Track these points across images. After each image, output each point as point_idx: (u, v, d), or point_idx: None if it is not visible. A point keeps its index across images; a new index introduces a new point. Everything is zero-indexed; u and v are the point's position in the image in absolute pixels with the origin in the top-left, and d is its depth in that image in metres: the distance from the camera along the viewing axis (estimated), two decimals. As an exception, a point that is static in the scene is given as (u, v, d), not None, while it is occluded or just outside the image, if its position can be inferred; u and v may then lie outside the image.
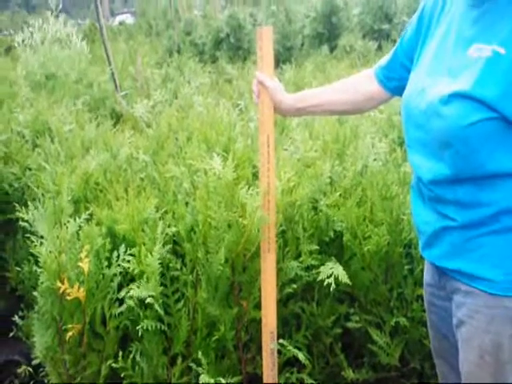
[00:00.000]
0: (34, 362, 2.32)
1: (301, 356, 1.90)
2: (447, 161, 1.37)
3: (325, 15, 7.96)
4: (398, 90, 1.64)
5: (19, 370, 2.58)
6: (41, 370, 2.49)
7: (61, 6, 6.27)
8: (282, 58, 7.62)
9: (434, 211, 1.47)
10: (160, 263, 1.91)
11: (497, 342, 1.39)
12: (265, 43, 1.68)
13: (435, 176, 1.41)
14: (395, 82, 1.68)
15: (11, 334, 2.71)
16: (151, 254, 1.90)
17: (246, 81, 5.45)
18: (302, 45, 8.20)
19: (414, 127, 1.46)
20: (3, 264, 3.29)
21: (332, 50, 7.34)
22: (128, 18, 23.83)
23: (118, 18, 24.59)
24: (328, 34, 7.78)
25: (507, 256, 1.36)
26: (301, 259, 2.07)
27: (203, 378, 1.78)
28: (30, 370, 2.52)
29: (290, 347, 1.93)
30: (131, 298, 1.89)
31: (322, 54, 6.94)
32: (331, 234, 2.21)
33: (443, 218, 1.44)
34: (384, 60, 1.73)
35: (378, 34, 7.93)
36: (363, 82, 1.76)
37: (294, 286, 2.06)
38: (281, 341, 1.95)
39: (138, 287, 1.93)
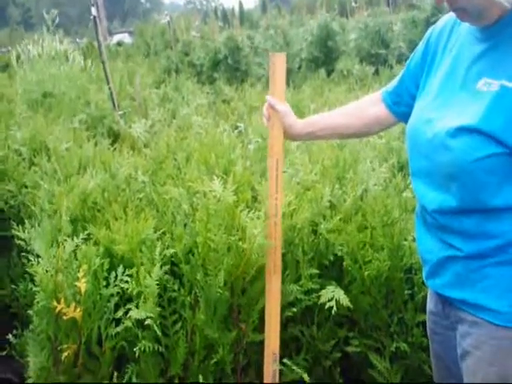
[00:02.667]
0: (28, 382, 2.27)
1: (305, 377, 1.88)
2: (453, 192, 1.37)
3: (321, 39, 8.04)
4: (405, 116, 1.64)
5: (11, 390, 2.53)
6: (34, 390, 2.45)
7: (57, 21, 6.29)
8: (280, 80, 7.63)
9: (438, 240, 1.46)
10: (157, 284, 1.89)
11: (502, 374, 1.38)
12: (277, 69, 1.72)
13: (440, 206, 1.42)
14: (403, 108, 1.69)
15: (4, 353, 2.66)
16: (150, 274, 1.89)
17: (244, 102, 5.48)
18: (300, 68, 8.27)
19: (420, 157, 1.46)
20: (-3, 282, 3.27)
21: (329, 73, 7.39)
22: (126, 38, 24.01)
23: (116, 38, 24.77)
24: (324, 57, 7.85)
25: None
26: (301, 283, 2.06)
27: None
28: (22, 390, 2.47)
29: (294, 367, 1.91)
30: (129, 318, 1.87)
31: (320, 77, 6.99)
32: (331, 257, 2.20)
33: (448, 247, 1.43)
34: (391, 85, 1.74)
35: (375, 58, 8.00)
36: (371, 106, 1.77)
37: (294, 309, 2.04)
38: (285, 360, 1.94)
39: (136, 307, 1.91)
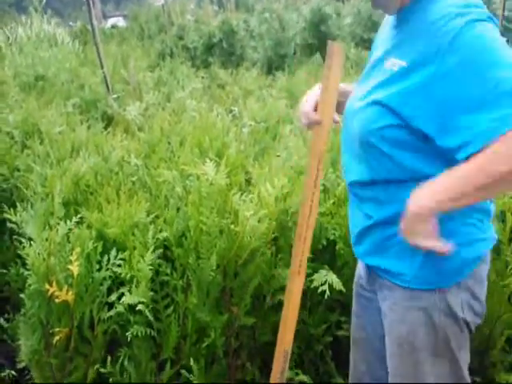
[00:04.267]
0: (19, 366, 2.27)
1: (307, 379, 1.89)
2: (365, 164, 1.50)
3: (314, 24, 7.98)
4: None
5: (3, 374, 2.53)
6: (26, 373, 2.45)
7: (44, 2, 6.20)
8: (275, 65, 7.63)
9: (359, 212, 1.57)
10: (150, 268, 1.89)
11: (412, 330, 1.49)
12: (334, 61, 1.52)
13: (357, 178, 1.54)
14: None
15: (-4, 337, 2.66)
16: (143, 258, 1.88)
17: (239, 86, 5.45)
18: (295, 53, 8.22)
19: (344, 130, 1.60)
20: (-11, 265, 3.25)
21: (325, 58, 7.32)
22: (120, 21, 23.74)
23: (110, 21, 24.50)
24: (318, 42, 7.79)
25: (417, 251, 1.41)
26: (293, 266, 2.05)
27: (194, 384, 1.76)
28: (14, 373, 2.47)
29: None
30: (121, 303, 1.86)
31: (316, 62, 6.94)
32: (324, 242, 2.19)
33: (366, 217, 1.53)
34: None
35: (368, 43, 7.95)
36: None
37: (287, 293, 2.03)
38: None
39: (129, 292, 1.91)
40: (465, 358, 1.54)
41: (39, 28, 5.81)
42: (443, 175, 1.32)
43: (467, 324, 1.50)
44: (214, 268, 1.86)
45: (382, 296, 1.58)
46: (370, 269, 1.63)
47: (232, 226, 1.89)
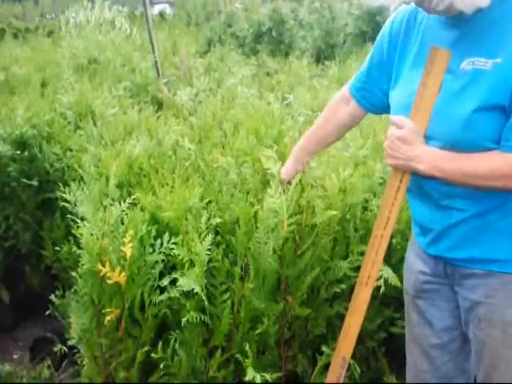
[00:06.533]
0: (69, 343, 2.30)
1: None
2: None
3: (370, 13, 7.85)
4: (374, 108, 1.83)
5: (55, 349, 2.57)
6: (74, 350, 2.48)
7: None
8: (324, 55, 7.54)
9: (440, 208, 1.56)
10: (207, 254, 1.87)
11: None
12: (435, 68, 1.43)
13: None
14: (372, 101, 1.81)
15: (47, 312, 2.70)
16: (201, 242, 1.86)
17: (288, 74, 5.39)
18: (344, 42, 8.10)
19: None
20: (40, 242, 3.31)
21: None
22: (167, 8, 23.87)
23: (157, 8, 24.66)
24: (372, 32, 7.66)
25: None
26: (350, 259, 2.02)
27: (250, 372, 1.74)
28: (65, 349, 2.50)
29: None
30: (176, 287, 1.85)
31: (367, 52, 6.81)
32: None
33: (451, 213, 1.54)
34: (358, 80, 1.85)
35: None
36: (343, 106, 1.90)
37: (343, 285, 2.00)
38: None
39: (182, 276, 1.89)
40: None
41: (98, 13, 5.89)
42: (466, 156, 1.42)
43: None
44: (271, 254, 1.83)
45: (470, 285, 1.58)
46: (445, 262, 1.63)
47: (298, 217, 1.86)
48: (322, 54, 7.65)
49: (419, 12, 1.61)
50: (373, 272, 1.58)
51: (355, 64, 5.55)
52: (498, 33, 1.40)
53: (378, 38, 1.75)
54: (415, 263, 1.74)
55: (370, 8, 7.88)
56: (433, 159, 1.45)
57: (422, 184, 1.57)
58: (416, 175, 1.52)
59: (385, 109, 1.75)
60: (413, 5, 1.58)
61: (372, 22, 7.80)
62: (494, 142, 1.41)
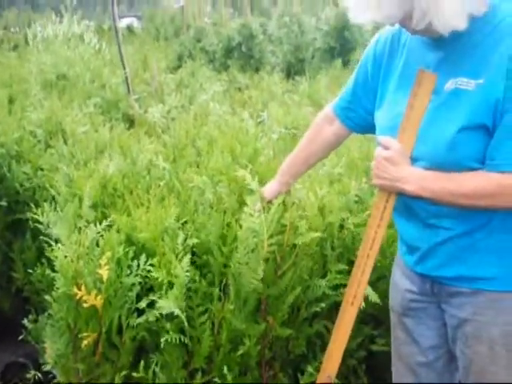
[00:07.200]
0: (46, 368, 2.24)
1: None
2: None
3: (337, 29, 7.96)
4: (359, 128, 1.86)
5: (28, 375, 2.50)
6: (49, 376, 2.42)
7: (75, 2, 6.22)
8: (294, 69, 7.61)
9: (426, 227, 1.58)
10: (187, 275, 1.86)
11: (505, 331, 1.53)
12: (422, 90, 1.46)
13: None
14: (357, 121, 1.83)
15: (20, 337, 2.63)
16: (179, 264, 1.84)
17: (260, 90, 5.42)
18: (313, 58, 8.19)
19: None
20: (10, 264, 3.23)
21: (344, 64, 7.33)
22: (134, 22, 23.76)
23: (124, 22, 24.53)
24: (340, 48, 7.77)
25: (503, 255, 1.51)
26: (327, 278, 2.02)
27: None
28: (40, 375, 2.44)
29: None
30: (155, 309, 1.83)
31: (336, 67, 6.91)
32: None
33: (438, 232, 1.56)
34: (342, 99, 1.86)
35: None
36: (327, 126, 1.91)
37: (322, 304, 2.01)
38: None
39: (160, 298, 1.87)
40: None
41: (68, 27, 5.83)
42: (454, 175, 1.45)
43: None
44: (257, 276, 1.82)
45: (457, 303, 1.59)
46: (432, 281, 1.64)
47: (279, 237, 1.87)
48: (292, 69, 7.72)
49: (402, 33, 1.64)
50: (359, 292, 1.59)
51: (325, 79, 5.62)
52: (480, 54, 1.44)
53: (362, 58, 1.78)
54: (401, 281, 1.75)
55: (337, 24, 7.98)
56: (419, 179, 1.48)
57: (410, 203, 1.58)
58: (403, 195, 1.53)
59: (369, 128, 1.76)
60: (396, 26, 1.60)
61: (340, 38, 7.91)
62: (479, 161, 1.44)
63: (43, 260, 2.45)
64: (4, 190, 3.26)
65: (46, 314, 2.30)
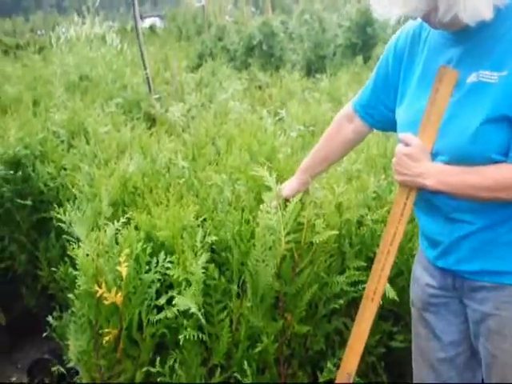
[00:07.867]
0: (69, 365, 2.28)
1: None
2: None
3: (360, 25, 7.91)
4: (380, 124, 1.85)
5: (53, 369, 2.55)
6: (72, 371, 2.46)
7: (97, 3, 6.30)
8: (315, 67, 7.59)
9: (449, 221, 1.58)
10: (203, 272, 1.87)
11: None
12: (443, 87, 1.46)
13: None
14: (377, 118, 1.83)
15: (44, 334, 2.68)
16: (195, 261, 1.86)
17: (280, 88, 5.42)
18: (334, 54, 8.15)
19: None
20: (35, 262, 3.29)
21: (366, 60, 7.28)
22: (157, 22, 23.94)
23: (147, 22, 24.72)
24: (362, 44, 7.72)
25: None
26: (345, 274, 2.02)
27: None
28: (63, 370, 2.48)
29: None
30: (173, 306, 1.85)
31: (357, 64, 6.86)
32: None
33: (460, 226, 1.55)
34: (362, 97, 1.86)
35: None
36: (347, 124, 1.91)
37: (341, 301, 2.00)
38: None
39: (179, 295, 1.89)
40: None
41: (90, 28, 5.91)
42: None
43: None
44: (273, 273, 1.83)
45: (479, 298, 1.59)
46: (454, 275, 1.64)
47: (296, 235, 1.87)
48: (313, 66, 7.70)
49: (423, 29, 1.63)
50: (379, 287, 1.59)
51: (346, 76, 5.59)
52: (504, 47, 1.43)
53: (383, 53, 1.77)
54: (422, 277, 1.75)
55: (359, 19, 7.92)
56: (439, 174, 1.48)
57: (431, 198, 1.58)
58: (424, 190, 1.53)
59: (389, 125, 1.76)
60: (418, 20, 1.59)
61: (362, 34, 7.85)
62: (502, 154, 1.42)
63: (66, 258, 2.49)
64: (29, 189, 3.32)
65: (69, 311, 2.33)
